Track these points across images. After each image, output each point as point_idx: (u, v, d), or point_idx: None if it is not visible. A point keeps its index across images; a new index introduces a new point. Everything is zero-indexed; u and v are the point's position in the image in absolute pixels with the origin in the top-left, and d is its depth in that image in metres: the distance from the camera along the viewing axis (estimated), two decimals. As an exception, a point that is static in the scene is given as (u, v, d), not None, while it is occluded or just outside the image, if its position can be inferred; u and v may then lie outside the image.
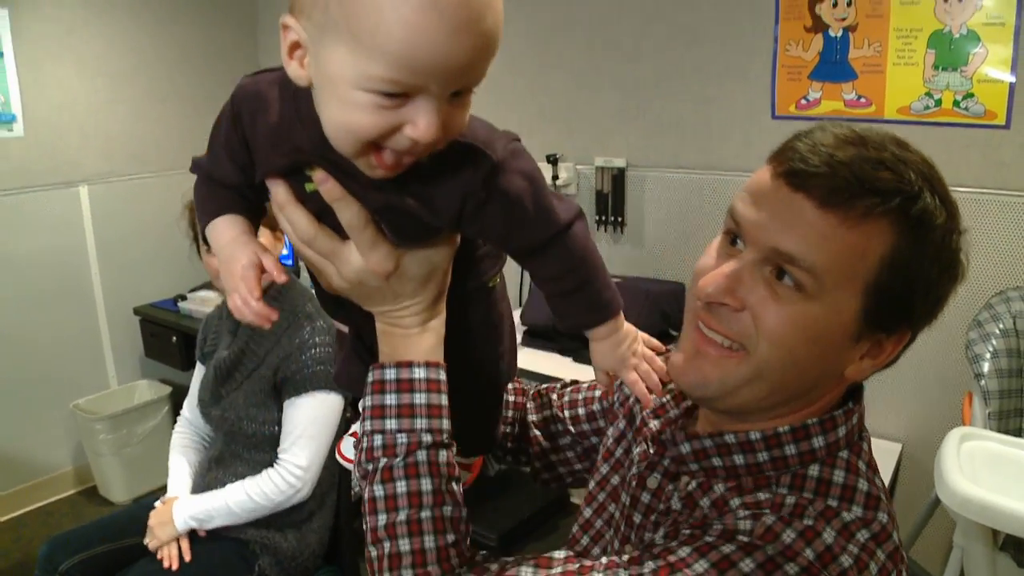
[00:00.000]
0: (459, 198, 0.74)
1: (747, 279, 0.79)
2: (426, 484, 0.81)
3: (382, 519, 0.81)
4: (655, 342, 0.95)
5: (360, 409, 0.85)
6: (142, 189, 3.73)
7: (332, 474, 2.01)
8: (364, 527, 0.83)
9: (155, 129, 3.76)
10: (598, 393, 1.16)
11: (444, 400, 0.84)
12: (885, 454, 2.40)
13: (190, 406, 2.17)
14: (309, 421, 1.90)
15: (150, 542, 1.90)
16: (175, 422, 2.22)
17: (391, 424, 0.82)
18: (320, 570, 2.04)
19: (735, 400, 0.82)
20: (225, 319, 2.09)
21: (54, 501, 3.57)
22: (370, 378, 0.84)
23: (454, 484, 0.84)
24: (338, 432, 1.94)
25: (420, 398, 0.82)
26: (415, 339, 0.84)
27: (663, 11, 2.82)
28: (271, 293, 1.97)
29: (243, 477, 1.93)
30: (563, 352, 2.69)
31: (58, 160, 3.48)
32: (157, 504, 1.97)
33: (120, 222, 3.68)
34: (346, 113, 0.65)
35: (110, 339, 3.72)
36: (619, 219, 2.89)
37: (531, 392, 1.25)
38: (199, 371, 2.16)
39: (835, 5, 2.48)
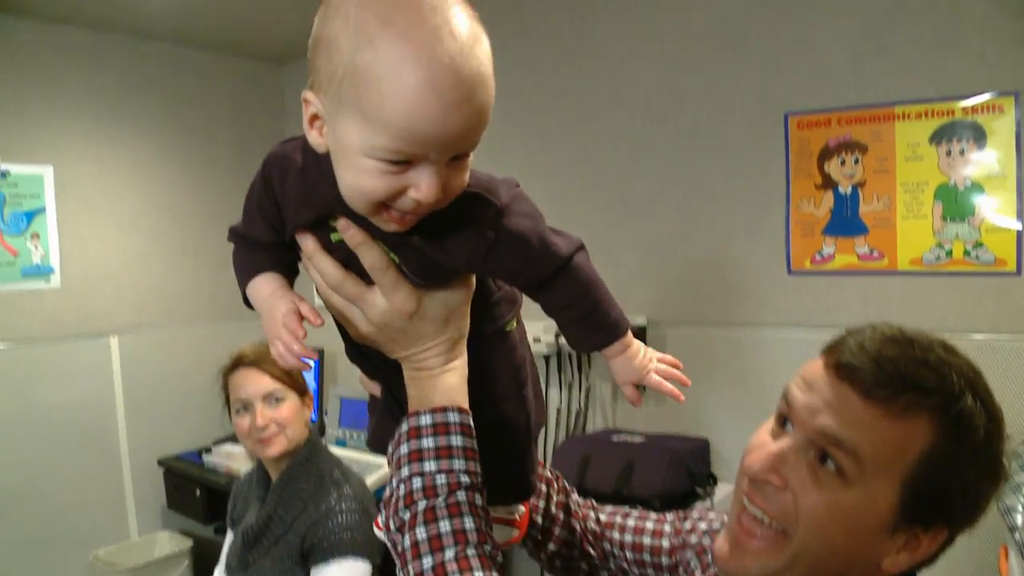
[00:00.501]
0: (470, 241, 0.80)
1: (792, 459, 0.82)
2: (469, 523, 0.82)
3: (427, 561, 0.81)
4: (669, 357, 0.98)
5: (390, 461, 0.87)
6: (171, 341, 3.82)
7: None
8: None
9: (186, 282, 3.88)
10: (666, 544, 1.16)
11: (475, 445, 0.87)
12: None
13: (220, 572, 2.16)
14: (336, 588, 1.88)
15: None
16: (195, 576, 2.20)
17: (430, 466, 0.84)
18: None
19: None
20: (254, 484, 2.10)
21: (69, 657, 3.49)
22: (404, 427, 0.87)
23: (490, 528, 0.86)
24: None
25: (456, 440, 0.85)
26: (440, 379, 0.88)
27: (678, 172, 2.94)
28: (298, 459, 1.99)
29: (269, 647, 1.90)
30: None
31: (91, 311, 3.58)
32: None
33: (148, 373, 3.75)
34: (358, 177, 0.72)
35: (133, 489, 3.72)
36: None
37: (582, 505, 1.24)
38: (229, 537, 2.16)
39: (843, 163, 2.58)
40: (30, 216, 3.41)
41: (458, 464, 0.84)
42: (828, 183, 2.61)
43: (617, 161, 3.10)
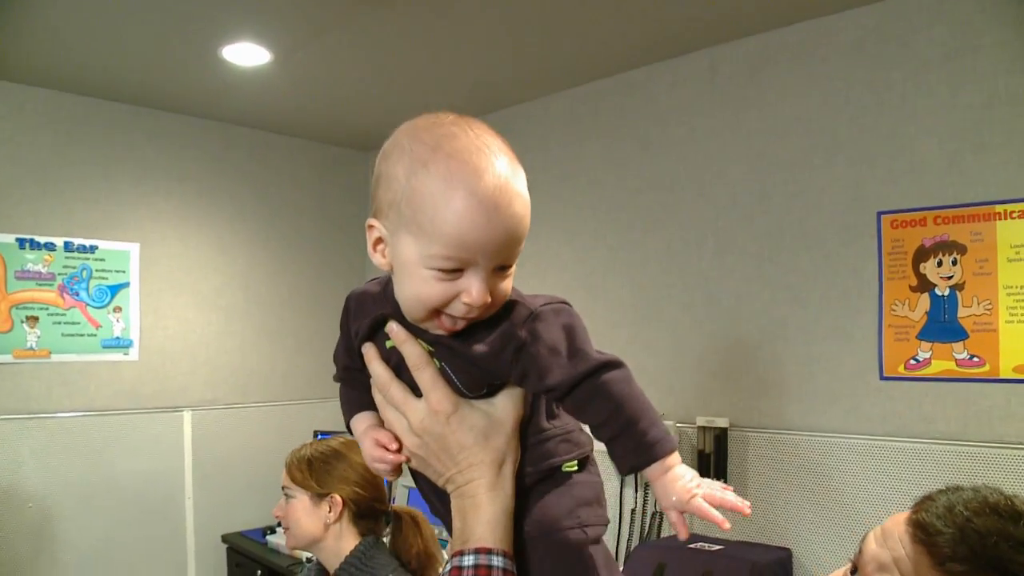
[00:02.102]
0: (503, 339, 0.85)
1: None
2: None
3: None
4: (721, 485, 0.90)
5: None
6: (242, 419, 3.86)
7: None
8: None
9: (261, 363, 3.92)
10: None
11: None
12: None
13: None
14: None
15: None
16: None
17: None
18: None
19: None
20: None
21: None
22: (447, 568, 0.85)
23: None
24: None
25: None
26: (484, 508, 0.86)
27: (765, 271, 2.86)
28: (351, 559, 1.93)
29: None
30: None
31: (166, 385, 3.65)
32: None
33: (218, 449, 3.78)
34: (416, 287, 0.81)
35: (195, 565, 3.72)
36: (722, 480, 2.74)
37: None
38: None
39: (940, 264, 2.46)
40: (114, 290, 3.51)
41: None
42: (924, 285, 2.49)
43: (702, 259, 3.04)
